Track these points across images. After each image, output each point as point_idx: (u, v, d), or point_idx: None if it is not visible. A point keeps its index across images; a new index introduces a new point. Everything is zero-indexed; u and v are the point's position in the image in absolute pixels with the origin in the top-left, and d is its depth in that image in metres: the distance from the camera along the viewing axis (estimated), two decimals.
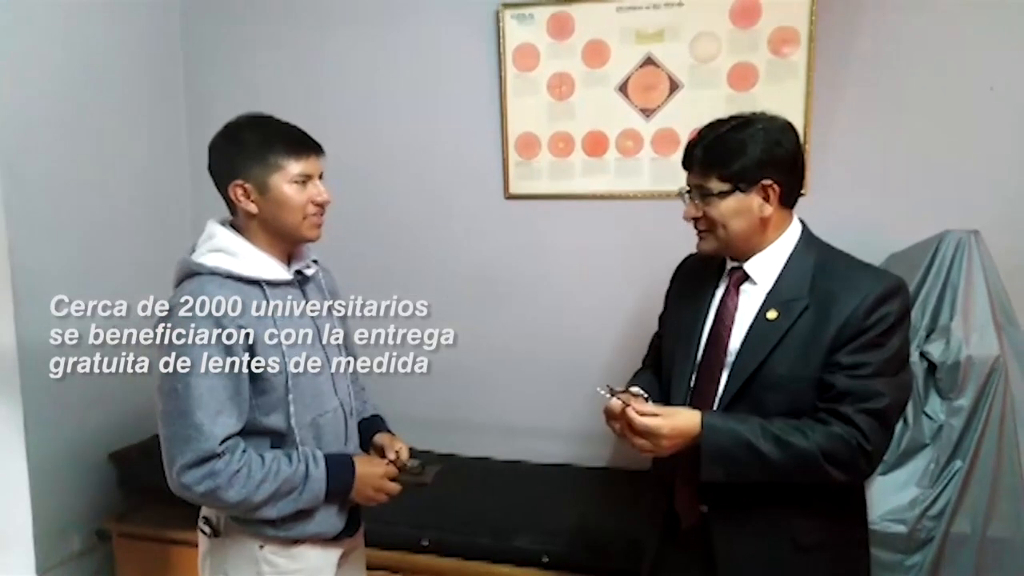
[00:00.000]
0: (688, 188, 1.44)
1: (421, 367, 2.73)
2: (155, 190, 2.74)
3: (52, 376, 2.31)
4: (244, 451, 1.39)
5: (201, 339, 1.36)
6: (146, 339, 2.53)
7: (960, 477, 1.96)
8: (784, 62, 2.28)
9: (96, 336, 2.47)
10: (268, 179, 1.43)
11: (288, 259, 1.53)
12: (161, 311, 1.44)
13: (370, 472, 1.55)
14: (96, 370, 2.46)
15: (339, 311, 1.65)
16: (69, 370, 2.37)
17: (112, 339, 2.51)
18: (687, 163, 1.44)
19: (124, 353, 2.54)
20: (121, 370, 2.53)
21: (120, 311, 2.54)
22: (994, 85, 2.16)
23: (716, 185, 1.37)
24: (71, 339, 2.38)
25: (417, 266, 2.71)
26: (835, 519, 1.42)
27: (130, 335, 2.56)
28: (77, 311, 2.41)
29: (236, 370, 1.39)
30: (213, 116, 2.78)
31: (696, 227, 1.46)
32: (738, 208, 1.38)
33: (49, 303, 2.31)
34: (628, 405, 1.38)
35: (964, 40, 2.16)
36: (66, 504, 2.41)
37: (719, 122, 1.41)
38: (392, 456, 1.62)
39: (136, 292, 2.58)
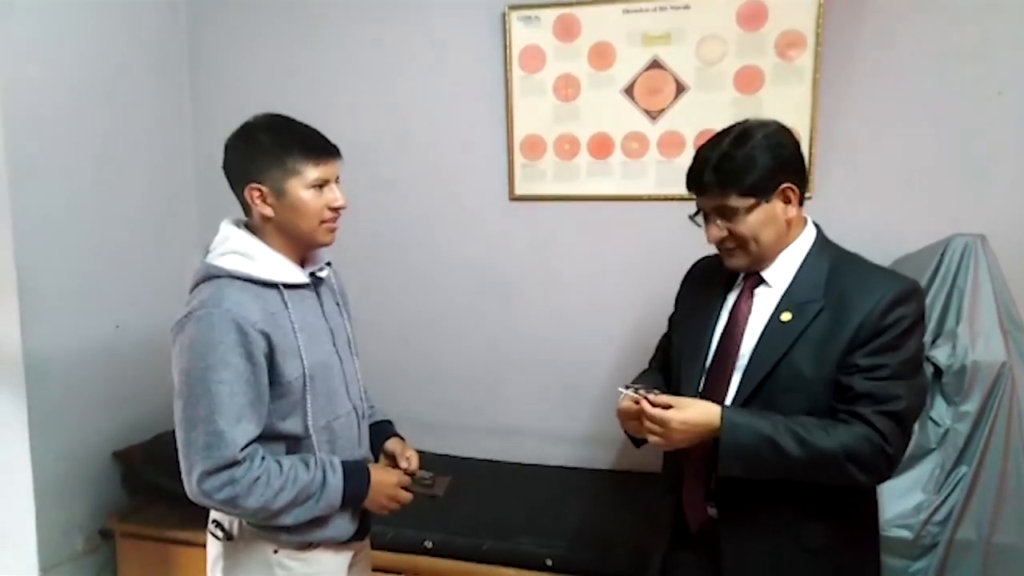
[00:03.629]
0: (698, 211, 1.44)
1: (424, 368, 2.74)
2: (161, 191, 2.74)
3: (56, 375, 2.33)
4: (263, 458, 1.38)
5: (221, 343, 1.33)
6: (145, 339, 2.57)
7: (966, 483, 1.95)
8: (790, 65, 2.28)
9: (100, 336, 2.49)
10: (285, 184, 1.41)
11: (302, 261, 1.52)
12: (174, 311, 1.42)
13: (384, 481, 1.54)
14: (100, 369, 2.48)
15: (347, 311, 1.65)
16: (73, 369, 2.39)
17: (115, 339, 2.54)
18: (698, 188, 1.41)
19: (128, 353, 2.57)
20: (126, 370, 2.56)
21: (123, 311, 2.56)
22: (1002, 89, 2.15)
23: (739, 202, 1.36)
24: (75, 339, 2.40)
25: (421, 266, 2.71)
26: (844, 523, 1.41)
27: (134, 335, 2.59)
28: (81, 311, 2.43)
29: (256, 374, 1.37)
30: (218, 117, 2.80)
31: (722, 246, 1.44)
32: (766, 218, 1.37)
33: (54, 304, 2.32)
34: (644, 398, 1.38)
35: (972, 44, 2.16)
36: (69, 503, 2.41)
37: (716, 141, 1.40)
38: (404, 464, 1.62)
39: (140, 292, 2.61)
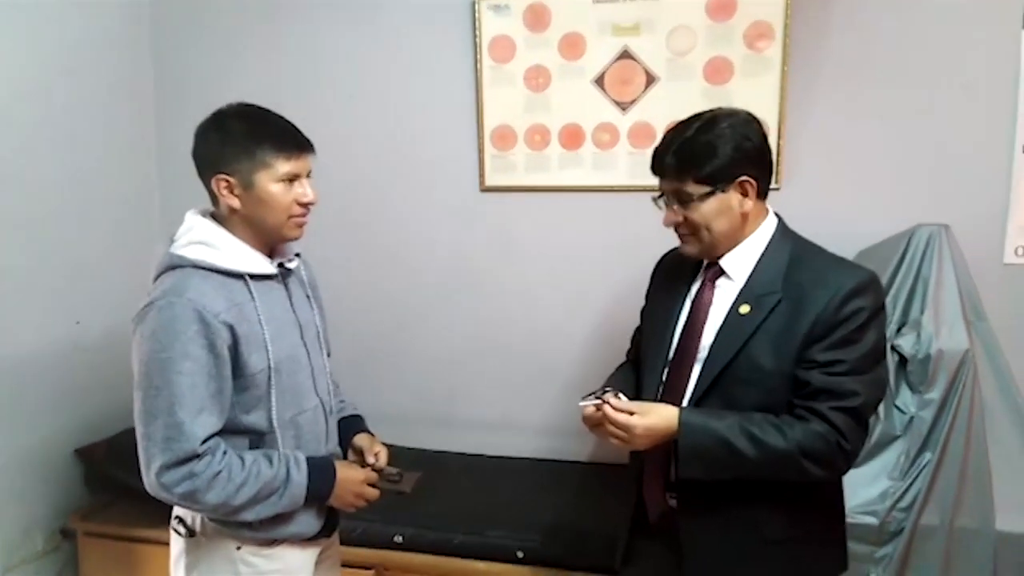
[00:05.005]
0: (661, 193, 1.44)
1: (395, 360, 2.72)
2: (122, 185, 2.67)
3: (15, 372, 2.26)
4: (225, 452, 1.35)
5: (183, 334, 1.30)
6: (106, 334, 2.50)
7: (930, 469, 1.99)
8: (759, 56, 2.28)
9: (60, 332, 2.43)
10: (253, 176, 1.38)
11: (270, 252, 1.49)
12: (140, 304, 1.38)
13: (350, 477, 1.52)
14: (61, 366, 2.42)
15: (318, 304, 1.62)
16: (32, 366, 2.32)
17: (76, 335, 2.48)
18: (658, 170, 1.42)
19: (89, 349, 2.51)
20: (87, 366, 2.50)
21: (83, 306, 2.50)
22: (965, 82, 2.18)
23: (694, 188, 1.36)
24: (34, 335, 2.34)
25: (392, 258, 2.69)
26: (804, 513, 1.42)
27: (95, 330, 2.53)
28: (40, 307, 2.36)
29: (218, 366, 1.34)
30: (182, 109, 2.75)
31: (678, 231, 1.44)
32: (719, 208, 1.37)
33: (12, 300, 2.26)
34: (605, 403, 1.38)
35: (937, 36, 2.18)
36: (30, 502, 2.35)
37: (683, 126, 1.39)
38: (371, 459, 1.60)
39: (101, 287, 2.55)
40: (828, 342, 1.32)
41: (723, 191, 1.36)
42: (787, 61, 2.26)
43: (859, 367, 1.32)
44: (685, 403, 1.42)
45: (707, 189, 1.36)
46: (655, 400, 1.45)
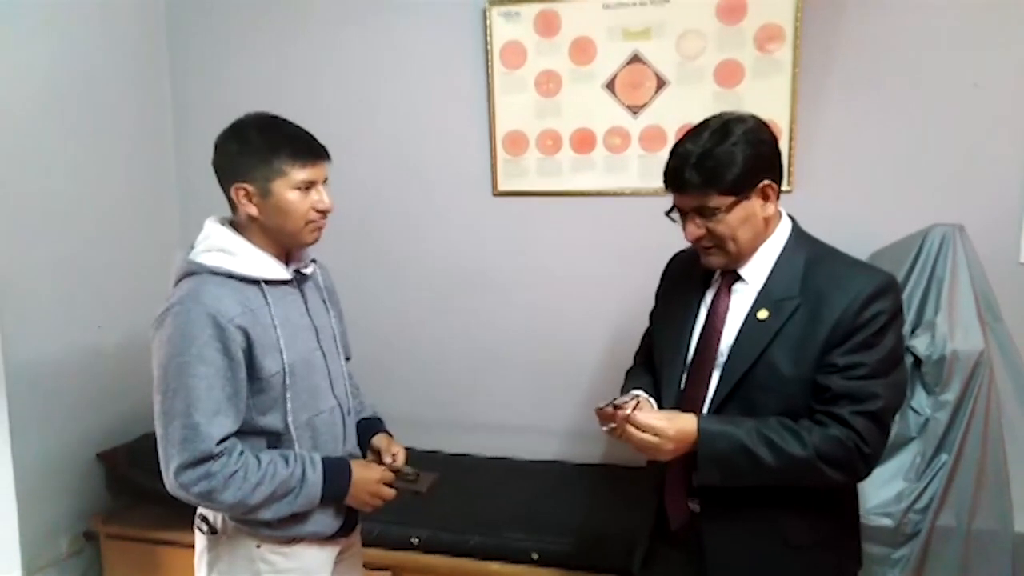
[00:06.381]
0: (673, 207, 1.42)
1: (410, 364, 2.74)
2: (142, 191, 2.72)
3: (38, 377, 2.31)
4: (241, 453, 1.39)
5: (198, 338, 1.34)
6: (127, 339, 2.55)
7: (946, 471, 1.97)
8: (770, 58, 2.29)
9: (82, 337, 2.47)
10: (271, 184, 1.41)
11: (287, 258, 1.52)
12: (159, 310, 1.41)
13: (366, 477, 1.54)
14: (83, 370, 2.46)
15: (335, 309, 1.65)
16: (55, 371, 2.37)
17: (98, 340, 2.52)
18: (677, 186, 1.37)
19: (111, 353, 2.55)
20: (109, 370, 2.54)
21: (105, 311, 2.54)
22: (978, 81, 2.18)
23: (719, 201, 1.33)
24: (57, 340, 2.38)
25: (405, 263, 2.71)
26: (825, 517, 1.42)
27: (116, 335, 2.57)
28: (63, 312, 2.41)
29: (233, 369, 1.38)
30: (200, 115, 2.80)
31: (700, 244, 1.41)
32: (744, 216, 1.35)
33: (34, 305, 2.30)
34: (627, 412, 1.35)
35: (948, 36, 2.18)
36: (53, 505, 2.40)
37: (694, 138, 1.35)
38: (388, 460, 1.62)
39: (122, 292, 2.60)
40: (848, 346, 1.31)
41: (747, 198, 1.34)
42: (798, 63, 2.26)
43: (879, 370, 1.31)
44: (705, 410, 1.41)
45: (731, 199, 1.33)
46: (674, 407, 1.44)
